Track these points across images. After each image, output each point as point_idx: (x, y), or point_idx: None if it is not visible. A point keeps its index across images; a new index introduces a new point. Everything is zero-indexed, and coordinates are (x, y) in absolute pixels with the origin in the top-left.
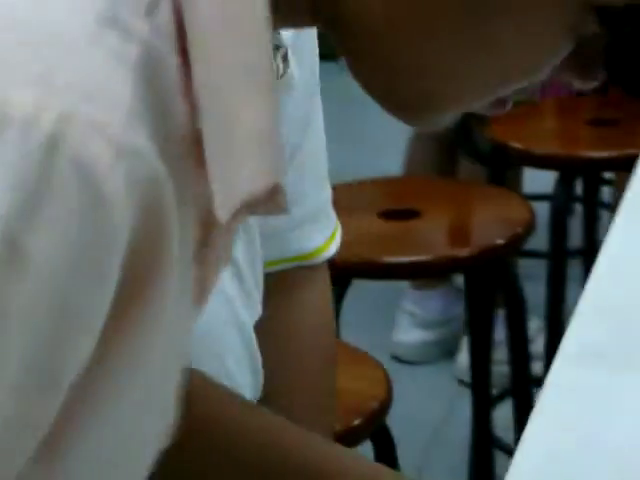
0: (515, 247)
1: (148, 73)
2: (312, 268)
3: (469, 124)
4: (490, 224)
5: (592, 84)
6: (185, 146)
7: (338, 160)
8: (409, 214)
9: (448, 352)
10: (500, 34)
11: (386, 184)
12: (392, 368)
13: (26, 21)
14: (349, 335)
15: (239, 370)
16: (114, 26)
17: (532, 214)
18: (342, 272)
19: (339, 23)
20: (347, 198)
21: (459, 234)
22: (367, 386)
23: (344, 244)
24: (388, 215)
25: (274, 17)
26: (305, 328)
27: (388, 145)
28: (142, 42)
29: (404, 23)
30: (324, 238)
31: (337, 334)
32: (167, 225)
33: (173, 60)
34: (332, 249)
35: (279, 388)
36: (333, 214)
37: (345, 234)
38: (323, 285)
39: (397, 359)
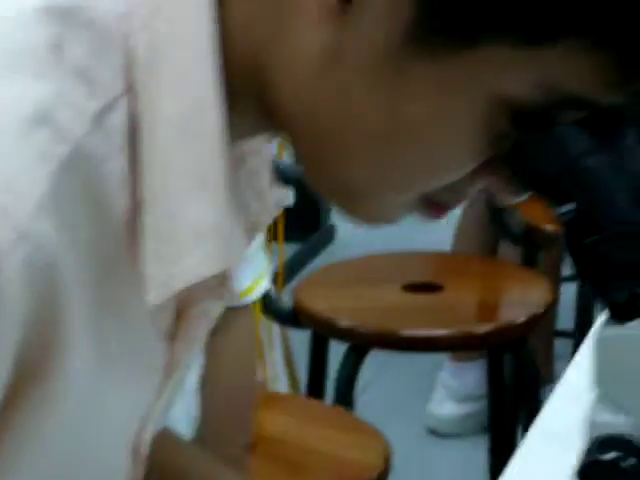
0: (532, 326)
1: (78, 171)
2: (235, 310)
3: (502, 206)
4: (510, 303)
5: (516, 197)
6: (125, 237)
7: (393, 231)
8: (433, 288)
9: (483, 426)
10: (415, 146)
11: (414, 258)
12: (427, 441)
13: None
14: (387, 405)
15: (176, 410)
16: (46, 126)
17: (554, 295)
18: (361, 341)
19: (285, 130)
20: (375, 269)
21: (479, 310)
22: (366, 455)
23: (364, 314)
24: (412, 288)
25: (232, 125)
26: (224, 372)
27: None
28: (75, 142)
29: (328, 137)
30: (249, 281)
31: (352, 401)
32: (65, 309)
33: (118, 160)
34: (256, 293)
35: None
36: (263, 259)
37: (368, 304)
38: (245, 329)
39: (432, 432)
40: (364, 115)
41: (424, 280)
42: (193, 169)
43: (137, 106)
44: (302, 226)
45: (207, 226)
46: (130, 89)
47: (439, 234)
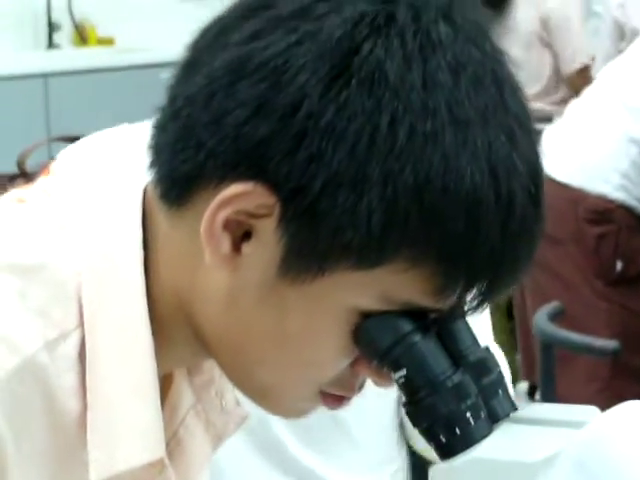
0: None
1: (28, 379)
2: None
3: None
4: None
5: (389, 383)
6: (76, 430)
7: None
8: None
9: None
10: (292, 355)
11: None
12: None
13: None
14: None
15: None
16: (3, 343)
17: None
18: None
19: (208, 349)
20: None
21: None
22: None
23: None
24: None
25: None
26: None
27: None
28: (25, 356)
29: (237, 351)
30: None
31: None
32: (7, 474)
33: (69, 375)
34: None
35: None
36: None
37: None
38: None
39: None
40: (259, 332)
41: None
42: (128, 383)
43: (85, 337)
44: None
45: (140, 424)
46: (81, 325)
47: None
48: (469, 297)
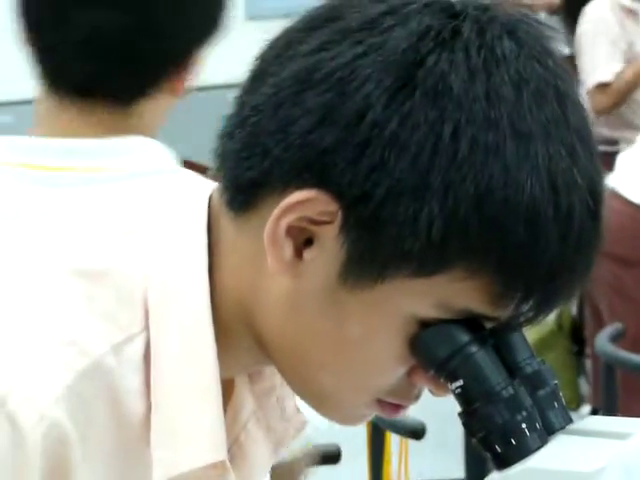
0: None
1: (96, 379)
2: None
3: None
4: None
5: (446, 393)
6: (141, 431)
7: None
8: None
9: None
10: (351, 361)
11: None
12: None
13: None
14: None
15: None
16: (73, 346)
17: None
18: None
19: (268, 354)
20: None
21: None
22: None
23: None
24: None
25: (229, 354)
26: None
27: None
28: (94, 358)
29: (297, 356)
30: None
31: None
32: (74, 472)
33: (135, 377)
34: None
35: None
36: None
37: None
38: None
39: None
40: (320, 338)
41: None
42: (192, 385)
43: (150, 340)
44: None
45: (203, 426)
46: (146, 329)
47: None
48: (525, 308)
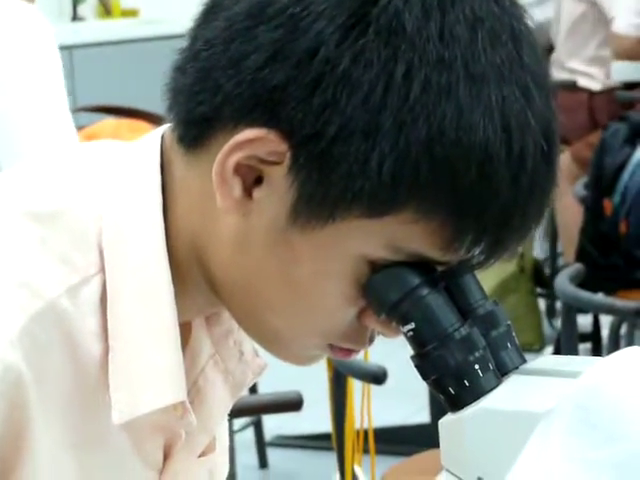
0: None
1: (50, 322)
2: None
3: None
4: None
5: (397, 335)
6: (99, 374)
7: None
8: None
9: None
10: (300, 302)
11: None
12: None
13: None
14: None
15: None
16: (26, 288)
17: None
18: None
19: (220, 296)
20: None
21: None
22: None
23: None
24: None
25: (185, 296)
26: None
27: None
28: (48, 300)
29: (248, 297)
30: None
31: None
32: (31, 415)
33: (91, 319)
34: None
35: None
36: None
37: None
38: None
39: None
40: (269, 278)
41: None
42: (149, 326)
43: (106, 281)
44: None
45: (162, 367)
46: (102, 270)
47: None
48: (477, 252)
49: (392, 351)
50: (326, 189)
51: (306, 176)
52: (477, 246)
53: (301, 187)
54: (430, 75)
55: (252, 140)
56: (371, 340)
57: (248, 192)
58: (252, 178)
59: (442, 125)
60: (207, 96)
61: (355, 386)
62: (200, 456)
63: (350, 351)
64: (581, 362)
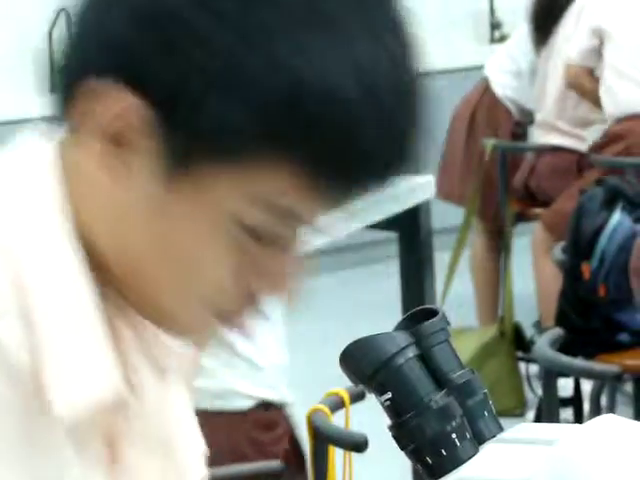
0: None
1: None
2: None
3: None
4: None
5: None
6: (30, 380)
7: None
8: None
9: None
10: (179, 272)
11: None
12: None
13: None
14: None
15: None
16: None
17: None
18: None
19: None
20: None
21: None
22: None
23: None
24: None
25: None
26: None
27: None
28: None
29: (132, 272)
30: None
31: None
32: None
33: (14, 330)
34: None
35: None
36: None
37: None
38: None
39: None
40: (148, 250)
41: None
42: (71, 321)
43: (27, 294)
44: None
45: (93, 363)
46: (14, 282)
47: None
48: (347, 201)
49: (374, 417)
50: (189, 145)
51: (171, 137)
52: (346, 195)
53: (166, 148)
54: (290, 31)
55: (117, 109)
56: (258, 308)
57: (121, 162)
58: (122, 147)
59: (299, 76)
60: (75, 66)
61: (337, 452)
62: None
63: (242, 327)
64: (555, 429)
